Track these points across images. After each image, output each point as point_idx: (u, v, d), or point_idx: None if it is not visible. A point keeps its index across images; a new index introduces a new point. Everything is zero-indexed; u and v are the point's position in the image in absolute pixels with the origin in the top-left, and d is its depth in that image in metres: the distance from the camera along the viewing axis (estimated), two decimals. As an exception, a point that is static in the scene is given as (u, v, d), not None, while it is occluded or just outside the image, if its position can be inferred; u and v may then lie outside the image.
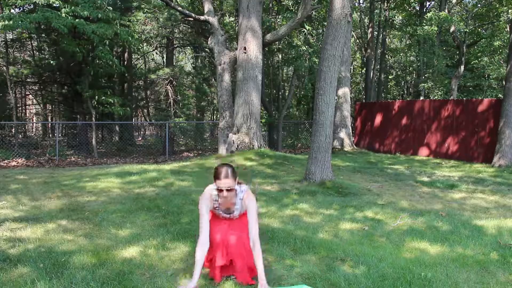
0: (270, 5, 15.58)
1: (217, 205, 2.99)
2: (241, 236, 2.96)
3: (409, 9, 21.39)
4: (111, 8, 12.02)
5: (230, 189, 2.83)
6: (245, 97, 10.24)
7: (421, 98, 18.53)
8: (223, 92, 10.86)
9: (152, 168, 8.14)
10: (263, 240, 3.76)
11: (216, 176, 2.80)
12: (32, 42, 18.18)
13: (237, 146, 10.12)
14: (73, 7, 10.48)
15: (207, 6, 11.36)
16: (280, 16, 14.92)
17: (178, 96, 16.84)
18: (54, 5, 10.83)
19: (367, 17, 21.38)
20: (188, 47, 22.26)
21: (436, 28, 15.77)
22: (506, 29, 18.05)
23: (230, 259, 2.95)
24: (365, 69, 21.94)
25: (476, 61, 19.68)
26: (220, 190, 2.84)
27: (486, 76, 20.23)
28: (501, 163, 10.03)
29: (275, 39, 11.31)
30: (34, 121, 27.54)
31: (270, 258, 3.37)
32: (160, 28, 15.58)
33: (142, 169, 8.00)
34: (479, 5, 17.91)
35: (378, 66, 22.13)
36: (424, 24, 16.20)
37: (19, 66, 16.92)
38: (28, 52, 19.46)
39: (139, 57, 23.14)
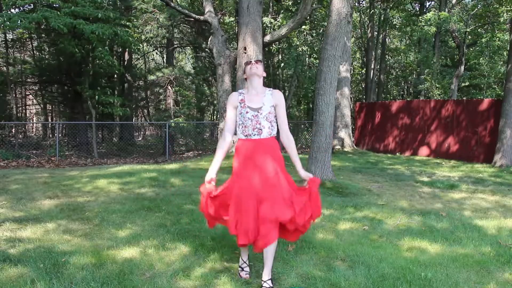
0: (270, 4, 15.58)
1: (243, 97, 2.88)
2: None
3: (409, 9, 21.38)
4: (111, 8, 12.03)
5: (258, 60, 2.89)
6: (245, 97, 10.21)
7: (421, 98, 18.53)
8: (223, 93, 10.85)
9: (152, 168, 8.15)
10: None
11: (246, 63, 2.90)
12: (32, 42, 18.20)
13: (237, 146, 10.09)
14: (73, 7, 10.48)
15: (207, 6, 11.35)
16: (280, 16, 14.92)
17: (178, 97, 16.85)
18: (55, 5, 10.84)
19: (367, 17, 21.38)
20: (188, 47, 22.27)
21: (434, 29, 15.76)
22: (506, 29, 18.03)
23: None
24: (365, 69, 21.94)
25: (475, 61, 19.65)
26: (248, 63, 2.85)
27: (486, 76, 20.21)
28: (502, 163, 10.03)
29: (275, 39, 11.29)
30: (34, 121, 27.55)
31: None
32: (160, 28, 15.56)
33: (142, 169, 8.00)
34: (479, 5, 17.88)
35: (378, 66, 22.13)
36: (423, 25, 16.19)
37: (19, 66, 16.93)
38: (28, 52, 19.47)
39: (139, 57, 23.15)
